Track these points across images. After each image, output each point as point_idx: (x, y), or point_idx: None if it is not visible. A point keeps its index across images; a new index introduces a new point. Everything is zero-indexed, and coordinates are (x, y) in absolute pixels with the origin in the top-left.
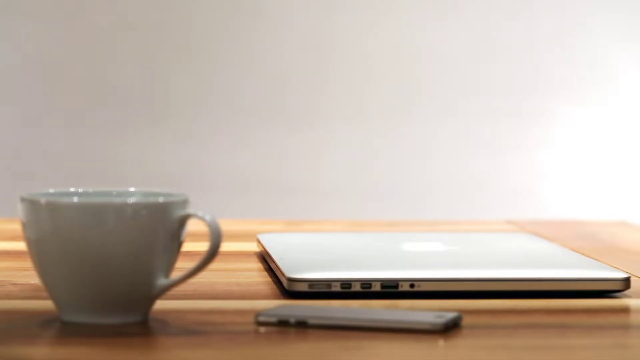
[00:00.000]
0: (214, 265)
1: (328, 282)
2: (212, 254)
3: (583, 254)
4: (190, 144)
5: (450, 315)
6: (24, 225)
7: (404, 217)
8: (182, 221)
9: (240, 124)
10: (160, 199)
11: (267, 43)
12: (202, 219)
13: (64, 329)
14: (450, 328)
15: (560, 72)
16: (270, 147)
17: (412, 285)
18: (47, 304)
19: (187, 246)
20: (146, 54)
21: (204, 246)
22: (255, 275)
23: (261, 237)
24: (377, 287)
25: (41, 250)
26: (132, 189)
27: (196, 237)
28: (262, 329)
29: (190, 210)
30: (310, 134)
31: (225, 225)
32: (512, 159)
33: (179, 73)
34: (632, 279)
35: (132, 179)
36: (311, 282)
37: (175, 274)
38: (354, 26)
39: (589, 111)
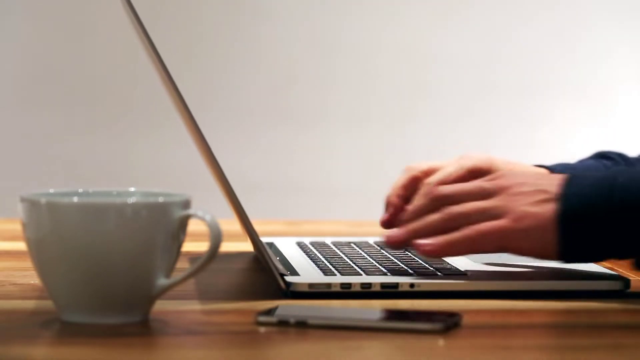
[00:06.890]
0: (214, 265)
1: (328, 282)
2: (212, 254)
3: None
4: (191, 144)
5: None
6: (24, 225)
7: None
8: (182, 221)
9: (242, 125)
10: (160, 199)
11: (272, 44)
12: (202, 219)
13: (64, 329)
14: (450, 328)
15: (561, 72)
16: (272, 148)
17: (412, 285)
18: (47, 304)
19: (187, 246)
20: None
21: (204, 246)
22: (255, 276)
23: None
24: (376, 287)
25: (41, 250)
26: (132, 189)
27: (196, 237)
28: (262, 329)
29: (190, 210)
30: (313, 135)
31: (225, 225)
32: (513, 159)
33: (183, 74)
34: (632, 279)
35: (134, 179)
36: (311, 282)
37: (175, 274)
38: (360, 28)
39: (590, 111)
